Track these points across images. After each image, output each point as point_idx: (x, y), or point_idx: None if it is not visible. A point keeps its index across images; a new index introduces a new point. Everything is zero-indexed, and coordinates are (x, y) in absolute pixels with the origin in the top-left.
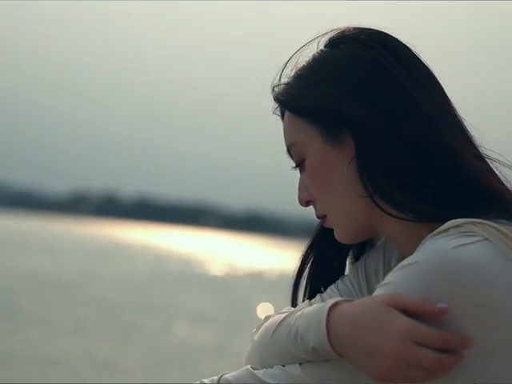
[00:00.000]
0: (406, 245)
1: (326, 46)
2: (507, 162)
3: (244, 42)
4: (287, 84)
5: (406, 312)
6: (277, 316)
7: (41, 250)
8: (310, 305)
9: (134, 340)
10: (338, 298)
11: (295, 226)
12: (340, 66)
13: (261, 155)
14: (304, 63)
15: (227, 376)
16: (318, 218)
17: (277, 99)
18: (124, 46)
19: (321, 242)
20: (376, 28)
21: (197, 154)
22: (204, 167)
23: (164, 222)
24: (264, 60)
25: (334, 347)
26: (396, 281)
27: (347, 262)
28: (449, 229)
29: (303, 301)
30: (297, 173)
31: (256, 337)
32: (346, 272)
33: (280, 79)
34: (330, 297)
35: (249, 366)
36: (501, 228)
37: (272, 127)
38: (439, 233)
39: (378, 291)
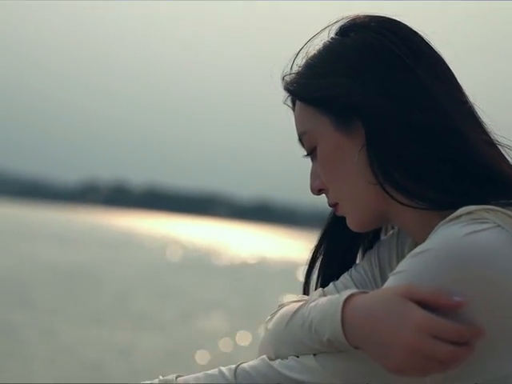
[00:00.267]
0: (418, 233)
1: (336, 34)
2: None
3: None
4: (297, 73)
5: (421, 303)
6: (291, 305)
7: (52, 239)
8: (324, 293)
9: (149, 328)
10: (353, 290)
11: (306, 215)
12: (350, 53)
13: (272, 144)
14: (315, 51)
15: (244, 365)
16: (330, 206)
17: (287, 89)
18: (135, 37)
19: (333, 230)
20: (387, 15)
21: (207, 144)
22: (214, 156)
23: (174, 211)
24: (281, 49)
25: (348, 339)
26: (408, 269)
27: (359, 251)
28: (461, 216)
29: (316, 289)
30: (308, 161)
31: (270, 325)
32: (358, 260)
33: (291, 68)
34: (344, 284)
35: (265, 356)
36: None
37: (283, 115)
38: (451, 220)
39: (391, 279)
